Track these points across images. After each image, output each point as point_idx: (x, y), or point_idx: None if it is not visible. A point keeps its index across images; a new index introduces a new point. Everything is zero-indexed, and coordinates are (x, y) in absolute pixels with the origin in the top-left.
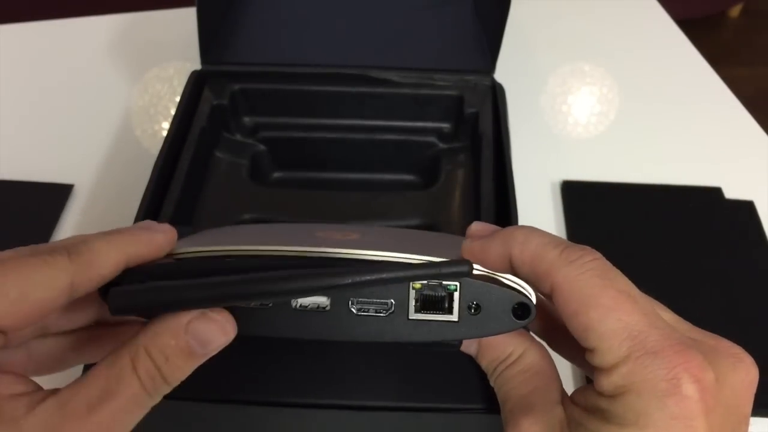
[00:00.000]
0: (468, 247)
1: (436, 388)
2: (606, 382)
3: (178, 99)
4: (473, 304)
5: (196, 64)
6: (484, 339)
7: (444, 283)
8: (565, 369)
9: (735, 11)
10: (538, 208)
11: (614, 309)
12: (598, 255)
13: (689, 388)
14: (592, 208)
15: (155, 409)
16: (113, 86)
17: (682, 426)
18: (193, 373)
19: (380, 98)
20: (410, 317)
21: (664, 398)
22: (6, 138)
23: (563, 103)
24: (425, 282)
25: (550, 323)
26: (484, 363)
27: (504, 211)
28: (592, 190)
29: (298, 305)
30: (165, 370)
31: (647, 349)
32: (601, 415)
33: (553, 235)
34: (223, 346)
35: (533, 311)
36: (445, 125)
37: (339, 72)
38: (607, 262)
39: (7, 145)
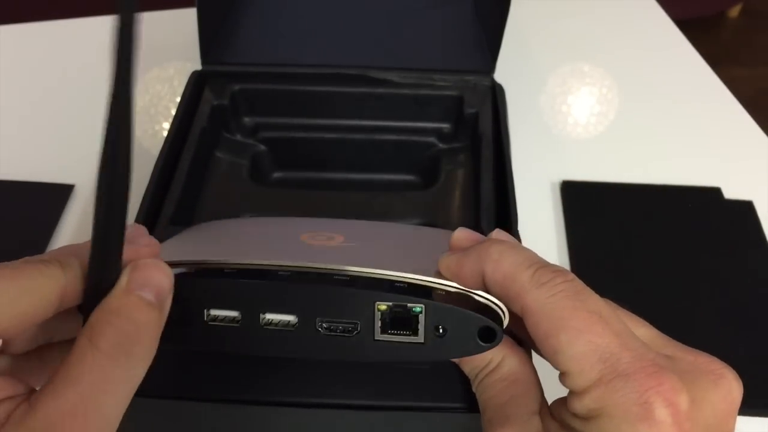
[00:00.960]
0: (444, 262)
1: (424, 388)
2: (578, 405)
3: (178, 99)
4: (439, 326)
5: (197, 65)
6: None
7: (409, 305)
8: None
9: (734, 11)
10: (538, 208)
11: (584, 331)
12: (571, 276)
13: (662, 413)
14: (591, 208)
15: (156, 409)
16: None
17: None
18: (193, 372)
19: (380, 98)
20: (376, 338)
21: (636, 423)
22: (6, 138)
23: (563, 103)
24: (390, 303)
25: None
26: (466, 370)
27: (504, 211)
28: (592, 190)
29: (266, 322)
30: (130, 330)
31: (619, 372)
32: None
33: (529, 253)
34: (171, 288)
35: (499, 336)
36: (445, 125)
37: (339, 72)
38: (580, 283)
39: (8, 145)
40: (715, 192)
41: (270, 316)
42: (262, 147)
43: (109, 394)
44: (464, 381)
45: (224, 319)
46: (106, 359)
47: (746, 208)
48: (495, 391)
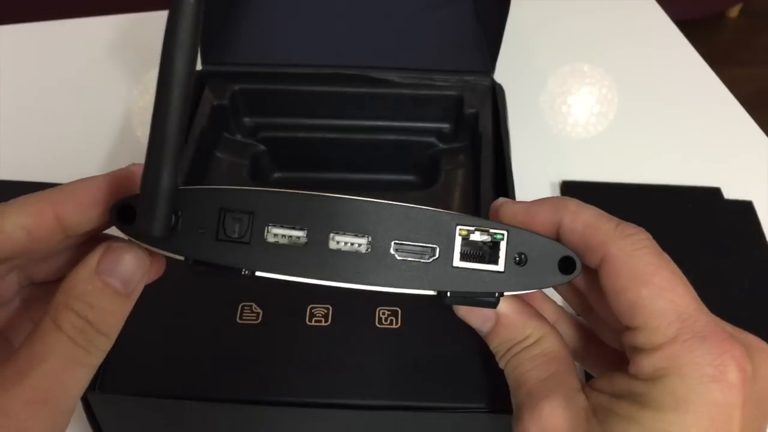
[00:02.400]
0: (509, 209)
1: (437, 387)
2: (647, 363)
3: None
4: (520, 254)
5: (197, 65)
6: (502, 317)
7: (492, 230)
8: None
9: (734, 12)
10: None
11: (667, 289)
12: (650, 235)
13: (735, 376)
14: None
15: (156, 409)
16: (114, 86)
17: (723, 413)
18: (193, 372)
19: (380, 99)
20: (454, 265)
21: (708, 384)
22: (6, 138)
23: (563, 103)
24: (472, 228)
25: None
26: (496, 342)
27: None
28: (592, 190)
29: (335, 244)
30: (92, 317)
31: (696, 332)
32: (635, 399)
33: (604, 211)
34: (147, 279)
35: (579, 265)
36: (445, 125)
37: (339, 72)
38: (658, 245)
39: (7, 145)
40: (715, 192)
41: (340, 238)
42: (262, 147)
43: (74, 372)
44: (483, 382)
45: (287, 238)
46: (70, 342)
47: (746, 208)
48: (533, 365)
